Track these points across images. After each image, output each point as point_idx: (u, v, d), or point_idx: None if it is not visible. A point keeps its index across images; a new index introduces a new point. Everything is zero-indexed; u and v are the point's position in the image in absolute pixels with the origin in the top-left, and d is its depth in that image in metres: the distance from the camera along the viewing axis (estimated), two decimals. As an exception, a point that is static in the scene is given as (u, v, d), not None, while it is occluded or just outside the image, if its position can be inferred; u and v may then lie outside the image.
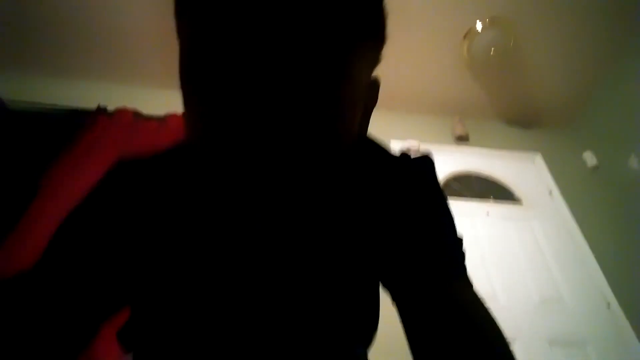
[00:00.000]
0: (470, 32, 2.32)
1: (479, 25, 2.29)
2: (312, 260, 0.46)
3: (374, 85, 0.44)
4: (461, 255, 0.45)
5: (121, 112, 2.08)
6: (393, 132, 2.49)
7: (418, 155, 0.51)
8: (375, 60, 0.40)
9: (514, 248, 2.13)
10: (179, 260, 0.46)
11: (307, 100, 0.33)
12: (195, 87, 0.34)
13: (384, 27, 0.38)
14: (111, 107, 2.14)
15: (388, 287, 0.46)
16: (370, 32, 0.36)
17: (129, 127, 2.02)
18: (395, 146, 2.46)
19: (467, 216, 2.21)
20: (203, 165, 0.37)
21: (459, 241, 0.46)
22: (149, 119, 2.07)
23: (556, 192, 2.39)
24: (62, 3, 2.17)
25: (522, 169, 2.52)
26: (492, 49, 2.31)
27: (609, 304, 1.96)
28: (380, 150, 0.51)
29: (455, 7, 2.24)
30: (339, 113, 0.35)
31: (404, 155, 0.51)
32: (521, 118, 2.74)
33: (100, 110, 2.14)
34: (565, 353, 1.80)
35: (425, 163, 0.51)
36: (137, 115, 2.07)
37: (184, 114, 0.37)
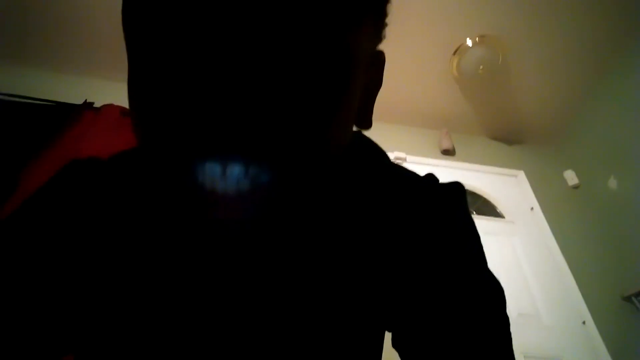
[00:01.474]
0: (460, 49, 2.36)
1: (469, 42, 2.34)
2: (294, 300, 0.35)
3: (377, 61, 0.36)
4: (502, 330, 0.33)
5: (108, 109, 2.05)
6: (380, 143, 2.49)
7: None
8: (376, 35, 0.33)
9: (494, 262, 2.13)
10: (131, 291, 0.35)
11: (290, 78, 0.25)
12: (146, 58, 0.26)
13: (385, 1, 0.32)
14: (98, 103, 2.11)
15: (394, 333, 0.36)
16: (367, 3, 0.29)
17: (116, 123, 1.99)
18: (382, 156, 2.48)
19: (450, 229, 2.23)
20: (156, 173, 0.29)
21: (500, 303, 0.34)
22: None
23: (537, 209, 2.43)
24: (53, -4, 2.14)
25: (505, 185, 2.56)
26: (481, 66, 2.36)
27: (584, 321, 1.99)
28: (389, 162, 0.40)
29: (446, 24, 2.28)
30: (332, 96, 0.27)
31: (432, 177, 0.40)
32: (506, 135, 2.79)
33: (87, 106, 2.11)
34: (540, 368, 1.83)
35: (458, 192, 0.39)
36: (124, 113, 2.05)
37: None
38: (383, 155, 0.41)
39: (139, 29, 0.26)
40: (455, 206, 0.38)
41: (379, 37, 0.34)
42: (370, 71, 0.34)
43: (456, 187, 0.40)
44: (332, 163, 0.29)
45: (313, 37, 0.25)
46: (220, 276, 0.35)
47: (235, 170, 0.25)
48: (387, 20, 0.34)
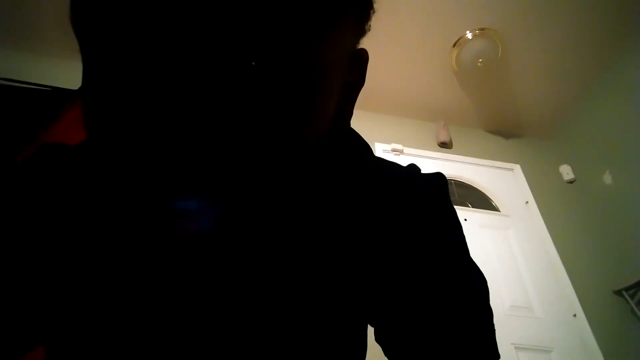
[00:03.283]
0: (460, 41, 2.36)
1: (468, 35, 2.33)
2: (271, 301, 0.33)
3: (359, 59, 0.33)
4: (484, 319, 0.33)
5: (105, 95, 2.04)
6: (377, 134, 2.50)
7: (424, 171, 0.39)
8: (357, 32, 0.31)
9: (489, 255, 2.17)
10: (96, 282, 0.33)
11: (251, 96, 0.23)
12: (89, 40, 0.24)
13: None
14: (95, 89, 2.10)
15: (376, 328, 0.35)
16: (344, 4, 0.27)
17: (113, 110, 1.97)
18: (379, 149, 2.48)
19: (446, 221, 2.25)
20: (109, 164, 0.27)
21: (482, 291, 0.34)
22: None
23: (532, 203, 2.45)
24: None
25: (501, 179, 2.57)
26: (480, 59, 2.35)
27: (575, 314, 2.02)
28: (371, 154, 0.39)
29: (446, 16, 2.27)
30: (303, 89, 0.25)
31: (413, 167, 0.39)
32: (503, 128, 2.80)
33: (84, 92, 2.10)
34: (531, 358, 1.85)
35: (439, 182, 0.38)
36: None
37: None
38: (366, 147, 0.39)
39: (92, 44, 0.25)
40: (436, 196, 0.37)
41: (361, 32, 0.31)
42: (350, 71, 0.31)
43: (437, 177, 0.38)
44: (303, 165, 0.28)
45: (275, 52, 0.22)
46: (189, 278, 0.33)
47: (191, 195, 0.24)
48: (373, 11, 0.31)
